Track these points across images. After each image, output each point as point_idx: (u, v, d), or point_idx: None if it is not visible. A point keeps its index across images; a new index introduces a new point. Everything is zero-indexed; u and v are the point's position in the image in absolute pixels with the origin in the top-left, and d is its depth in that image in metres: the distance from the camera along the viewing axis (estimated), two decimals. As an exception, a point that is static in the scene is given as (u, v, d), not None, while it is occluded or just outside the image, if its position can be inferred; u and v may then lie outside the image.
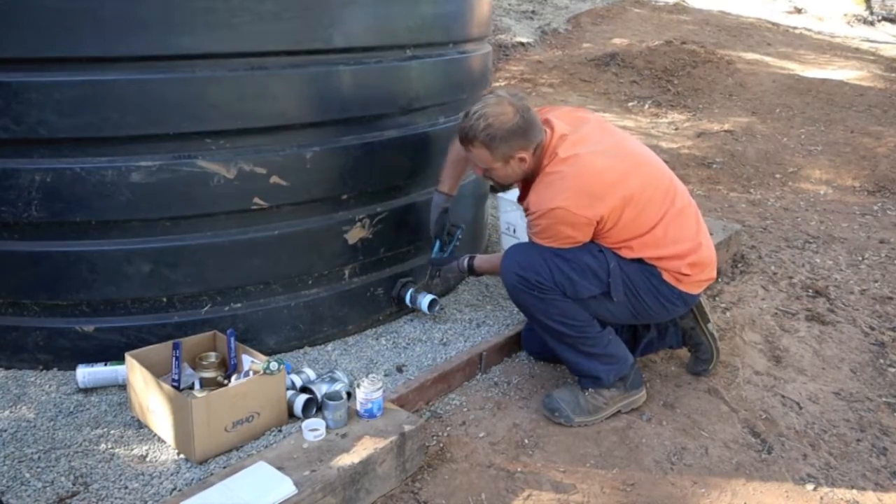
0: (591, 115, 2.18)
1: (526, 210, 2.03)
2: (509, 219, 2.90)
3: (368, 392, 1.83)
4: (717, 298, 2.86)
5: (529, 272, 1.96)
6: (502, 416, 2.10)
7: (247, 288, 2.19)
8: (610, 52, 6.85)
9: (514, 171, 2.03)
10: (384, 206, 2.37)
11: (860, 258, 3.39)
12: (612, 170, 1.97)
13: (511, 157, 1.98)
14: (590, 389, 2.09)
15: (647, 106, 5.97)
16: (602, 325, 2.06)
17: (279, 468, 1.64)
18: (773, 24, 9.43)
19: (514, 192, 3.06)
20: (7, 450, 1.82)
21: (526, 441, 2.00)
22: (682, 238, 2.02)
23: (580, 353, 2.06)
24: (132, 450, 1.83)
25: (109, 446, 1.84)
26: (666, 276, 2.01)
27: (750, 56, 7.45)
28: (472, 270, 2.34)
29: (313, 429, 1.77)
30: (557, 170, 1.96)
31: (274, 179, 2.09)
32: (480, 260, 2.34)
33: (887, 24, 10.49)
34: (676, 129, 5.50)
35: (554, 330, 2.02)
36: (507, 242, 2.88)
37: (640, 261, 2.00)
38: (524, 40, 7.24)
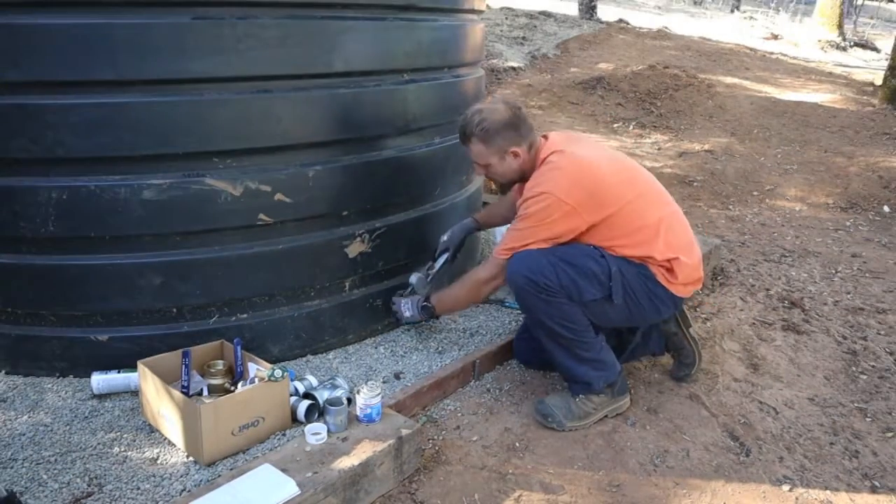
0: (585, 135, 2.27)
1: (520, 203, 2.06)
2: (504, 231, 2.93)
3: (368, 398, 1.85)
4: (697, 309, 2.87)
5: (538, 275, 1.98)
6: (494, 421, 2.12)
7: (252, 299, 2.21)
8: (596, 76, 6.89)
9: (511, 166, 2.12)
10: (382, 221, 2.40)
11: (833, 271, 3.42)
12: (615, 174, 2.05)
13: (505, 152, 2.09)
14: (580, 395, 2.11)
15: (631, 127, 6.01)
16: (596, 332, 2.10)
17: (283, 470, 1.66)
18: (751, 49, 9.53)
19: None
20: (25, 452, 1.84)
21: (517, 444, 2.02)
22: (676, 244, 2.10)
23: (574, 357, 2.09)
24: (144, 452, 1.85)
25: (122, 449, 1.86)
26: (659, 278, 2.07)
27: (729, 80, 7.52)
28: (431, 314, 2.29)
29: (315, 433, 1.79)
30: (554, 161, 2.04)
31: (278, 196, 2.12)
32: (441, 297, 2.26)
33: (859, 50, 10.74)
34: (659, 149, 5.54)
35: (553, 331, 2.04)
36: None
37: (634, 263, 2.06)
38: (515, 65, 7.27)
